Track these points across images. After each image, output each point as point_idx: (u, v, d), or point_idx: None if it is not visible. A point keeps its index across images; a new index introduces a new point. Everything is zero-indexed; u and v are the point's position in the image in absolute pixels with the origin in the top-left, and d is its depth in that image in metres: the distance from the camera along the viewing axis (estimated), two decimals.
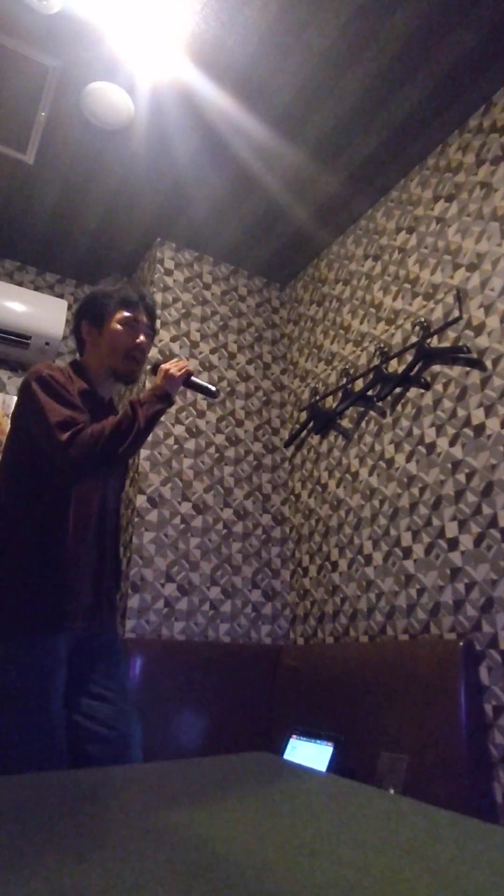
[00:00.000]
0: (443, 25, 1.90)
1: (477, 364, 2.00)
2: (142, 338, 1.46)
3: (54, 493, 1.31)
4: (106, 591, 1.40)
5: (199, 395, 1.62)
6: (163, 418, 2.60)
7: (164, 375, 1.39)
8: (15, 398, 2.91)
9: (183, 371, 1.40)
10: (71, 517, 1.32)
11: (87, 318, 1.48)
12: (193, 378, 1.44)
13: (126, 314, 1.45)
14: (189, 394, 2.73)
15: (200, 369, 2.81)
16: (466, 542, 1.91)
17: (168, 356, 1.60)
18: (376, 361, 2.43)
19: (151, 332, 1.52)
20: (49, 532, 1.29)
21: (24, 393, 1.34)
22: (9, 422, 2.84)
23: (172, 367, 1.40)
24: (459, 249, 2.17)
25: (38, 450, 1.29)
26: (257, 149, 2.36)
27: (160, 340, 2.74)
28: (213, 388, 1.46)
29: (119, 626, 1.51)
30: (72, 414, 1.28)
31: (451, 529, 1.97)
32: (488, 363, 1.96)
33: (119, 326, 1.44)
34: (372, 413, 2.43)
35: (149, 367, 1.52)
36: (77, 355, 1.56)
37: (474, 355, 2.01)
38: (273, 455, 2.90)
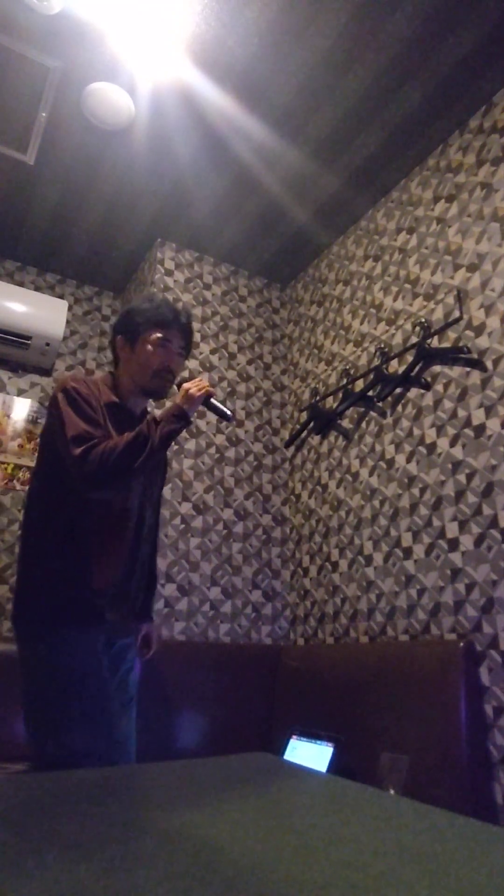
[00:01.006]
0: (443, 26, 1.90)
1: (477, 364, 2.00)
2: (173, 359, 1.48)
3: (82, 502, 1.34)
4: (136, 596, 1.45)
5: (217, 417, 1.68)
6: None
7: (185, 395, 1.40)
8: (15, 398, 2.93)
9: (203, 391, 1.41)
10: (98, 526, 1.35)
11: (122, 333, 1.51)
12: (213, 400, 1.44)
13: (158, 335, 1.47)
14: None
15: (201, 369, 2.81)
16: (467, 542, 1.91)
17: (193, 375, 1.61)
18: (377, 362, 2.43)
19: (184, 353, 1.54)
20: (76, 539, 1.33)
21: (52, 403, 1.38)
22: (8, 421, 2.86)
23: (193, 386, 1.41)
24: (460, 250, 2.17)
25: (63, 460, 1.33)
26: (258, 149, 2.36)
27: None
28: (230, 413, 1.48)
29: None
30: (87, 429, 1.31)
31: (452, 530, 1.97)
32: (489, 364, 1.96)
33: (150, 347, 1.46)
34: (372, 413, 2.43)
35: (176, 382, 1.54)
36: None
37: (475, 356, 2.01)
38: (273, 455, 2.90)
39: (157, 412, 1.41)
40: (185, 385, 1.42)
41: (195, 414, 1.52)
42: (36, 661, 1.27)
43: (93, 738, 1.21)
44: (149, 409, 1.64)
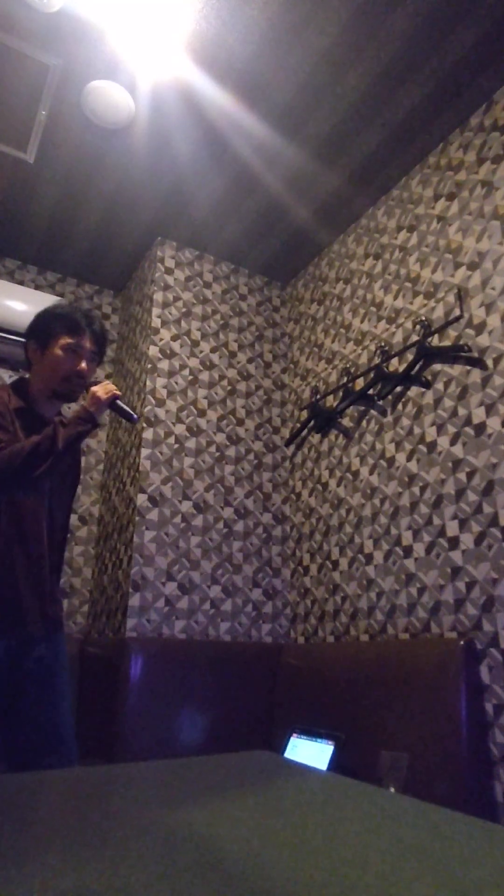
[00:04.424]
0: (444, 24, 1.89)
1: (478, 363, 2.00)
2: (83, 364, 1.49)
3: None
4: (44, 601, 1.44)
5: (121, 419, 1.76)
6: (163, 417, 2.61)
7: (91, 398, 1.44)
8: None
9: (109, 394, 1.45)
10: (7, 528, 1.37)
11: (33, 337, 1.52)
12: (118, 402, 1.48)
13: (69, 340, 1.47)
14: (190, 393, 2.73)
15: (201, 367, 2.81)
16: (467, 540, 1.91)
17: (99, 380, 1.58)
18: (377, 360, 2.43)
19: (97, 358, 1.55)
20: None
21: None
22: None
23: (100, 389, 1.44)
24: (460, 248, 2.16)
25: None
26: (258, 147, 2.35)
27: (161, 339, 2.74)
28: (135, 416, 1.51)
29: (65, 628, 1.56)
30: None
31: (452, 528, 1.97)
32: (489, 362, 1.96)
33: (61, 352, 1.47)
34: (373, 412, 2.43)
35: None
36: None
37: (475, 354, 2.01)
38: (274, 454, 2.90)
39: (67, 415, 1.42)
40: (92, 388, 1.45)
41: (105, 415, 1.55)
42: None
43: None
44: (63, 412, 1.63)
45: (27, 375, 1.56)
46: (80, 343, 1.48)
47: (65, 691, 1.45)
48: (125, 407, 1.50)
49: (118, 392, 1.47)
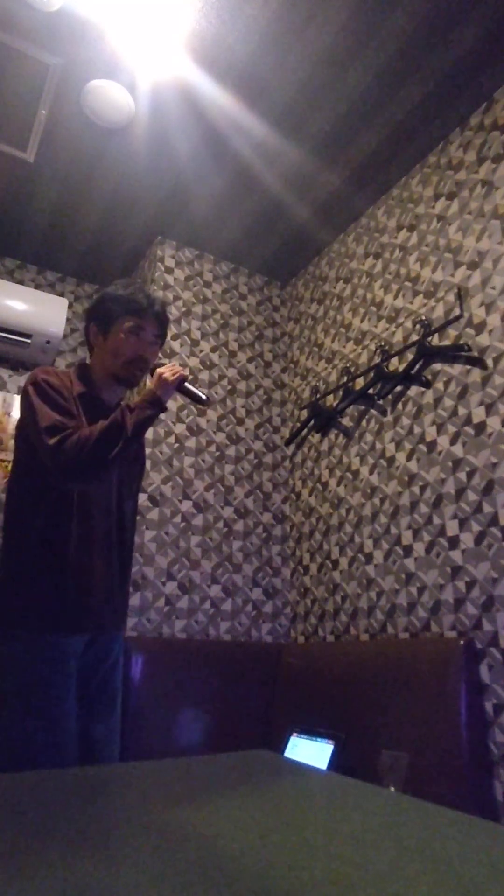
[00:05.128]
0: (444, 22, 1.89)
1: (478, 362, 2.00)
2: (146, 348, 1.44)
3: (60, 496, 1.32)
4: (115, 596, 1.41)
5: (190, 402, 1.61)
6: (163, 416, 2.61)
7: (158, 380, 1.37)
8: (15, 396, 2.93)
9: (177, 376, 1.38)
10: (79, 520, 1.33)
11: (94, 320, 1.47)
12: (187, 384, 1.41)
13: (132, 323, 1.42)
14: None
15: (201, 367, 2.81)
16: (467, 540, 1.91)
17: (166, 358, 1.51)
18: (377, 360, 2.43)
19: (159, 341, 1.49)
20: (56, 534, 1.31)
21: (23, 397, 1.36)
22: (9, 419, 2.86)
23: (167, 371, 1.38)
24: (460, 247, 2.16)
25: (37, 453, 1.30)
26: (258, 147, 2.35)
27: None
28: (204, 396, 1.44)
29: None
30: (61, 419, 1.29)
31: (452, 528, 1.97)
32: (489, 361, 1.96)
33: (123, 335, 1.42)
34: (373, 411, 2.43)
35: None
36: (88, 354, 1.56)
37: (475, 354, 2.01)
38: (274, 453, 2.90)
39: (133, 400, 1.37)
40: (159, 370, 1.39)
41: (173, 400, 1.48)
42: (3, 661, 1.25)
43: (39, 752, 1.19)
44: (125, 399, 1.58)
45: (86, 361, 1.51)
46: (143, 326, 1.43)
47: (117, 700, 1.40)
48: (194, 389, 1.42)
49: (186, 373, 1.40)
